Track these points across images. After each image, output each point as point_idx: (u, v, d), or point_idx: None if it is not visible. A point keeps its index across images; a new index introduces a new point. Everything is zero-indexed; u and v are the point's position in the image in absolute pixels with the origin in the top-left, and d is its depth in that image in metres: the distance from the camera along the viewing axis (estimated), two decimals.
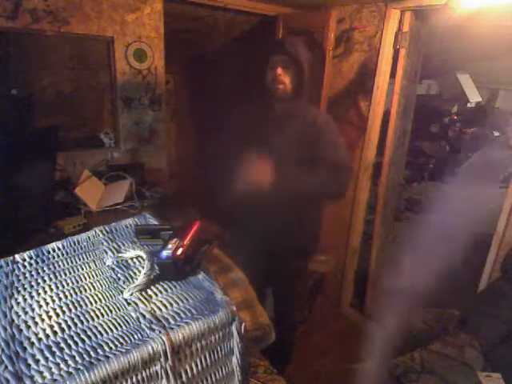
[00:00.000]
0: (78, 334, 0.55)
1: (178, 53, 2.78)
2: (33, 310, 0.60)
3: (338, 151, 1.57)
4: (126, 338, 0.54)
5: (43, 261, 0.73)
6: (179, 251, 0.69)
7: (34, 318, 0.58)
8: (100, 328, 0.56)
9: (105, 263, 0.73)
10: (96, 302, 0.63)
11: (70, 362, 0.50)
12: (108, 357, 0.50)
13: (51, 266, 0.72)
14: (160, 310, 0.60)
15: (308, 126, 1.54)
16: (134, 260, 0.73)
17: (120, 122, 2.35)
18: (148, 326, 0.56)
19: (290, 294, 1.95)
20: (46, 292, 0.65)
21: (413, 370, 1.57)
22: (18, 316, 0.59)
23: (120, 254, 0.74)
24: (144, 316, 0.58)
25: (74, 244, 0.79)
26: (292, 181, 1.42)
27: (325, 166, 1.48)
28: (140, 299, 0.62)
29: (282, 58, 1.49)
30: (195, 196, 2.27)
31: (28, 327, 0.56)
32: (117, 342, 0.53)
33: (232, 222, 1.66)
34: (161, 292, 0.64)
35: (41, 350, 0.52)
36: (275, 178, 1.38)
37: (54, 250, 0.77)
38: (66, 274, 0.70)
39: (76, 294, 0.64)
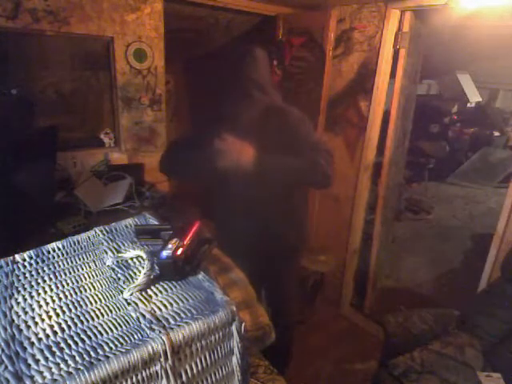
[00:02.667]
0: (78, 334, 0.55)
1: (178, 53, 2.78)
2: (33, 310, 0.60)
3: (313, 139, 1.54)
4: (126, 338, 0.54)
5: (43, 261, 0.73)
6: (179, 251, 0.69)
7: (33, 318, 0.58)
8: (100, 328, 0.56)
9: (105, 263, 0.73)
10: (96, 302, 0.63)
11: (70, 362, 0.50)
12: (108, 357, 0.50)
13: (51, 266, 0.72)
14: (160, 309, 0.60)
15: (277, 135, 1.50)
16: (134, 260, 0.73)
17: (120, 122, 2.35)
18: (148, 326, 0.56)
19: (282, 296, 1.88)
20: (46, 292, 0.65)
21: (413, 370, 1.57)
22: (18, 316, 0.59)
23: (120, 254, 0.74)
24: (144, 316, 0.58)
25: (74, 244, 0.79)
26: (273, 161, 1.39)
27: (304, 151, 1.46)
28: (140, 299, 0.62)
29: (244, 103, 1.47)
30: (195, 196, 2.28)
31: (28, 327, 0.56)
32: (117, 342, 0.53)
33: (215, 222, 1.64)
34: (161, 292, 0.64)
35: (41, 350, 0.52)
36: (256, 158, 1.35)
37: (53, 250, 0.77)
38: (66, 274, 0.70)
39: (76, 294, 0.64)
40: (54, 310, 0.60)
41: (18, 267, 0.71)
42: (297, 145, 1.47)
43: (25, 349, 0.52)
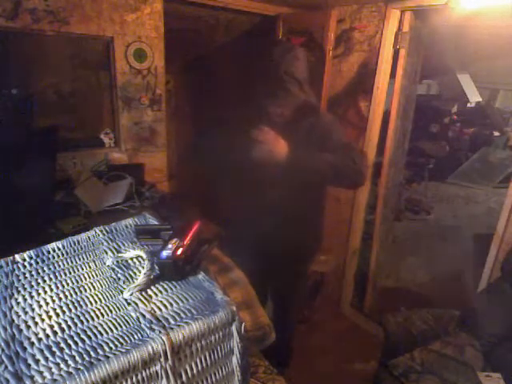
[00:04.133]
0: (78, 334, 0.55)
1: (178, 53, 2.78)
2: (33, 310, 0.60)
3: (344, 140, 1.55)
4: (126, 338, 0.54)
5: (43, 261, 0.73)
6: (179, 251, 0.69)
7: (34, 318, 0.58)
8: (100, 328, 0.56)
9: (105, 263, 0.73)
10: (96, 302, 0.63)
11: (70, 362, 0.50)
12: (108, 357, 0.50)
13: (51, 266, 0.72)
14: (160, 310, 0.60)
15: (308, 134, 1.51)
16: (134, 260, 0.73)
17: (120, 122, 2.35)
18: (148, 326, 0.56)
19: (291, 296, 1.93)
20: (46, 292, 0.65)
21: (413, 369, 1.57)
22: (18, 316, 0.59)
23: (120, 254, 0.74)
24: (144, 316, 0.58)
25: (74, 244, 0.79)
26: (309, 155, 1.39)
27: (336, 150, 1.46)
28: (140, 299, 0.62)
29: (280, 96, 1.45)
30: (196, 195, 2.28)
31: (28, 327, 0.56)
32: (117, 342, 0.53)
33: (232, 220, 1.65)
34: (161, 292, 0.64)
35: (41, 350, 0.52)
36: (291, 151, 1.34)
37: (54, 250, 0.76)
38: (66, 274, 0.70)
39: (76, 294, 0.64)
40: (54, 310, 0.60)
41: (18, 267, 0.71)
42: (329, 145, 1.47)
43: (25, 349, 0.52)
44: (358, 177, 1.48)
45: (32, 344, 0.53)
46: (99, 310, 0.60)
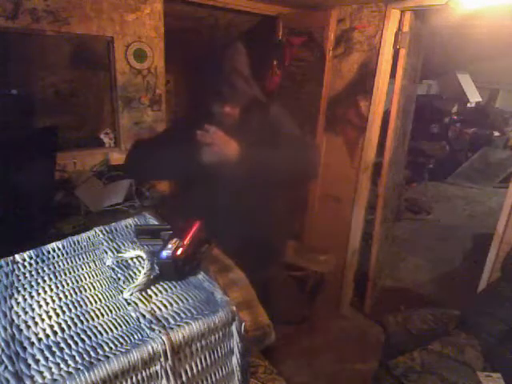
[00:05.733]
0: (78, 334, 0.55)
1: (178, 53, 2.78)
2: (33, 310, 0.60)
3: (296, 132, 1.51)
4: (126, 338, 0.54)
5: (43, 261, 0.73)
6: (179, 251, 0.68)
7: (34, 318, 0.58)
8: (100, 328, 0.56)
9: (105, 263, 0.73)
10: (96, 301, 0.62)
11: (70, 362, 0.50)
12: (108, 357, 0.50)
13: (51, 266, 0.72)
14: (160, 310, 0.60)
15: (259, 131, 1.45)
16: (134, 260, 0.73)
17: (120, 122, 2.35)
18: (148, 325, 0.56)
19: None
20: (45, 292, 0.65)
21: (413, 369, 1.57)
22: (18, 316, 0.59)
23: (120, 254, 0.74)
24: (144, 316, 0.58)
25: (74, 244, 0.79)
26: (258, 154, 1.33)
27: (288, 145, 1.41)
28: (140, 299, 0.62)
29: (228, 95, 1.37)
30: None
31: (28, 327, 0.56)
32: (117, 342, 0.53)
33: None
34: (161, 292, 0.64)
35: (41, 350, 0.52)
36: (243, 150, 1.28)
37: (54, 250, 0.76)
38: (65, 274, 0.70)
39: (76, 293, 0.64)
40: (54, 310, 0.60)
41: (18, 267, 0.71)
42: (280, 139, 1.42)
43: (25, 349, 0.52)
44: (311, 170, 1.45)
45: (32, 344, 0.53)
46: (99, 309, 0.60)
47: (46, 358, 0.51)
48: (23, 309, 0.60)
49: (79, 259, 0.74)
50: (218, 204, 1.40)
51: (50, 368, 0.49)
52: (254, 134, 1.42)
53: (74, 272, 0.70)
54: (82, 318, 0.58)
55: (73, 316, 0.59)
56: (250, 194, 1.40)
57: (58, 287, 0.66)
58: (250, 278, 0.85)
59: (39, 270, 0.70)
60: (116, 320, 0.58)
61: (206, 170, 1.30)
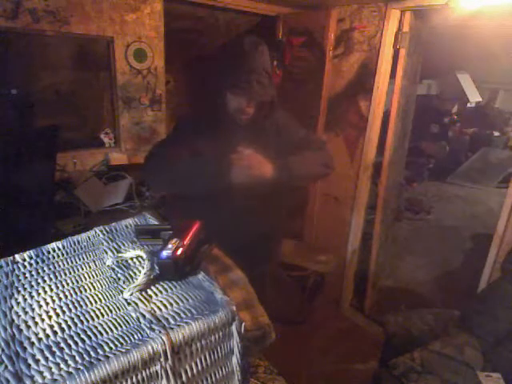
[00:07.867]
0: (78, 334, 0.55)
1: (178, 53, 2.78)
2: (33, 309, 0.60)
3: (307, 137, 1.51)
4: (126, 338, 0.54)
5: (43, 261, 0.73)
6: (179, 251, 0.68)
7: (34, 318, 0.58)
8: (100, 328, 0.56)
9: (105, 263, 0.73)
10: (96, 301, 0.62)
11: (70, 362, 0.50)
12: (108, 357, 0.50)
13: (51, 266, 0.72)
14: (160, 309, 0.60)
15: (273, 136, 1.45)
16: (134, 260, 0.73)
17: (120, 122, 2.35)
18: (148, 325, 0.56)
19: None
20: (46, 292, 0.65)
21: (413, 370, 1.57)
22: (18, 316, 0.59)
23: (120, 254, 0.74)
24: (144, 316, 0.58)
25: (74, 244, 0.79)
26: (287, 166, 1.33)
27: (305, 147, 1.43)
28: (140, 299, 0.62)
29: (248, 87, 1.29)
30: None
31: (28, 327, 0.56)
32: (117, 342, 0.53)
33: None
34: (161, 292, 0.64)
35: (41, 350, 0.52)
36: (277, 168, 1.29)
37: (54, 250, 0.76)
38: (66, 274, 0.70)
39: (76, 293, 0.64)
40: (54, 309, 0.60)
41: (18, 267, 0.71)
42: (297, 144, 1.44)
43: (25, 349, 0.52)
44: (330, 166, 1.46)
45: (32, 344, 0.53)
46: (99, 309, 0.60)
47: (46, 358, 0.51)
48: (23, 309, 0.60)
49: (79, 259, 0.74)
50: (231, 206, 1.37)
51: (50, 368, 0.49)
52: (273, 139, 1.41)
53: (74, 272, 0.70)
54: (82, 317, 0.58)
55: (73, 316, 0.59)
56: (265, 198, 1.39)
57: (58, 287, 0.66)
58: (248, 276, 0.86)
59: (39, 270, 0.70)
60: (116, 320, 0.58)
61: (234, 190, 1.29)
